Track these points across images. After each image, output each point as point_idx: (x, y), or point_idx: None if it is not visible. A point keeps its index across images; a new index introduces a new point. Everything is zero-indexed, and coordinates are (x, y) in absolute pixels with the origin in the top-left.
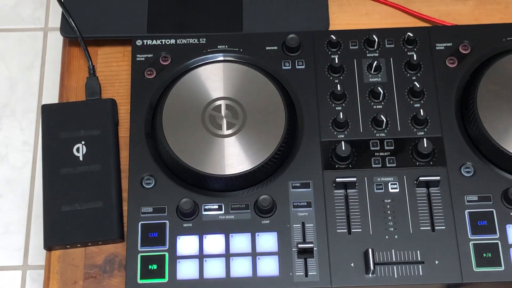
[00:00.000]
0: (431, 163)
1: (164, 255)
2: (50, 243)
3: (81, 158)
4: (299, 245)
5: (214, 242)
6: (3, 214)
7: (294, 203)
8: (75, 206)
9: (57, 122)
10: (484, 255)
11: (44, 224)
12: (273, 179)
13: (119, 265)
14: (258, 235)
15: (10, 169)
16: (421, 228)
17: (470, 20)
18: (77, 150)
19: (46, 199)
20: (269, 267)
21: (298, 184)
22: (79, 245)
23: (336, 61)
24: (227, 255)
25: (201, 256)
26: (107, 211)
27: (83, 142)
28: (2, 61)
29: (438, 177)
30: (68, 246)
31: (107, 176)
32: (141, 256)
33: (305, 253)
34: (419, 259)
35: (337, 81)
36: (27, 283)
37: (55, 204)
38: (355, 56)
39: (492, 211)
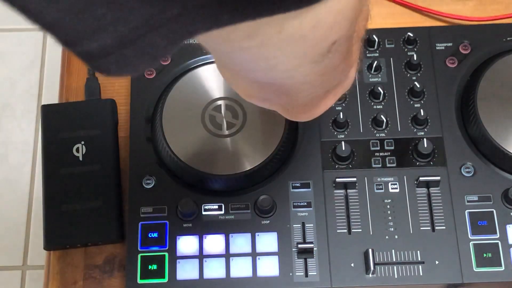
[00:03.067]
0: (431, 163)
1: (164, 255)
2: (50, 243)
3: (81, 158)
4: (299, 245)
5: (214, 242)
6: (3, 214)
7: (294, 203)
8: (75, 206)
9: (57, 122)
10: (484, 255)
11: (44, 224)
12: (273, 179)
13: (119, 265)
14: (258, 235)
15: (10, 169)
16: (421, 228)
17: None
18: (77, 150)
19: (46, 199)
20: (269, 267)
21: (298, 184)
22: (79, 245)
23: None
24: (227, 255)
25: (201, 256)
26: (107, 211)
27: (83, 142)
28: (2, 61)
29: (438, 177)
30: (68, 246)
31: (107, 176)
32: (141, 256)
33: (305, 253)
34: (419, 259)
35: None
36: (27, 283)
37: (55, 204)
38: None
39: (492, 211)
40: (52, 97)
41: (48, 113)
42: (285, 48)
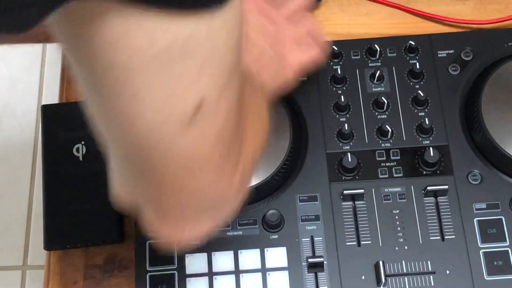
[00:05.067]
0: (438, 171)
1: (173, 274)
2: (50, 244)
3: (81, 158)
4: (309, 260)
5: (223, 259)
6: (3, 214)
7: (302, 217)
8: (75, 206)
9: (57, 122)
10: (495, 263)
11: (44, 224)
12: (279, 193)
13: (119, 265)
14: (267, 250)
15: (10, 169)
16: (430, 238)
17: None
18: (77, 150)
19: (46, 199)
20: (279, 282)
21: (305, 198)
22: (79, 245)
23: (339, 72)
24: (237, 272)
25: (210, 274)
26: (107, 211)
27: (83, 142)
28: (2, 61)
29: (446, 186)
30: (68, 246)
31: (107, 176)
32: (149, 275)
33: (315, 268)
34: (430, 269)
35: (340, 92)
36: (27, 283)
37: (55, 204)
38: (357, 66)
39: (501, 218)
40: (52, 97)
41: (48, 113)
42: (151, 77)
